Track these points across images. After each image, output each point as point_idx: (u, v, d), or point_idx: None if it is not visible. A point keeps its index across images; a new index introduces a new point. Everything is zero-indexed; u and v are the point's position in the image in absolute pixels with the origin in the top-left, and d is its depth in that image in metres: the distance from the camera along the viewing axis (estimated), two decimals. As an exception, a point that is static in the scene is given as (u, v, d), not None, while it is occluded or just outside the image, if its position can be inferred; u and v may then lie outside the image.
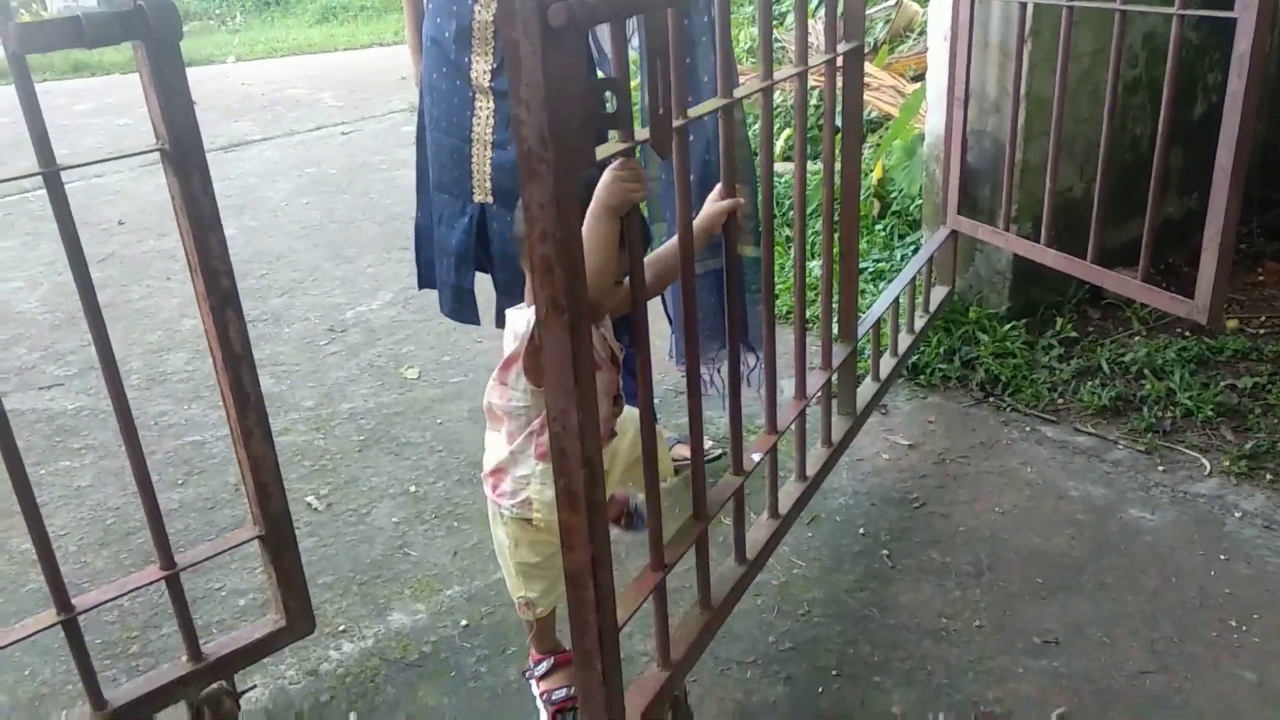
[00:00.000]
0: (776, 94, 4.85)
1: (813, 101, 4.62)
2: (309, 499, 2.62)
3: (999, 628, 2.06)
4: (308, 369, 3.37)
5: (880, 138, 4.45)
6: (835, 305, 2.35)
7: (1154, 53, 3.25)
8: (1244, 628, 2.01)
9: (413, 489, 2.64)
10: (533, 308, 1.66)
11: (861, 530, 2.39)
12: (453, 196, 2.38)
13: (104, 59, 10.52)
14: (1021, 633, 2.04)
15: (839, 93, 2.19)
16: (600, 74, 2.34)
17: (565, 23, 1.14)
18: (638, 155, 1.45)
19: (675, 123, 1.49)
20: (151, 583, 1.74)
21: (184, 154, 1.57)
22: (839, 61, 2.14)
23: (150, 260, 4.52)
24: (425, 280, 2.69)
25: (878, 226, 3.84)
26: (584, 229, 1.48)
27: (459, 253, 2.42)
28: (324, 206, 5.17)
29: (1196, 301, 2.40)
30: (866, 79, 4.79)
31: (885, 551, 2.31)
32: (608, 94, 1.26)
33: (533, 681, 1.94)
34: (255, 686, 1.97)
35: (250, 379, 1.72)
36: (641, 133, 1.39)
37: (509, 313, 1.79)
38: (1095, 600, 2.12)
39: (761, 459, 1.98)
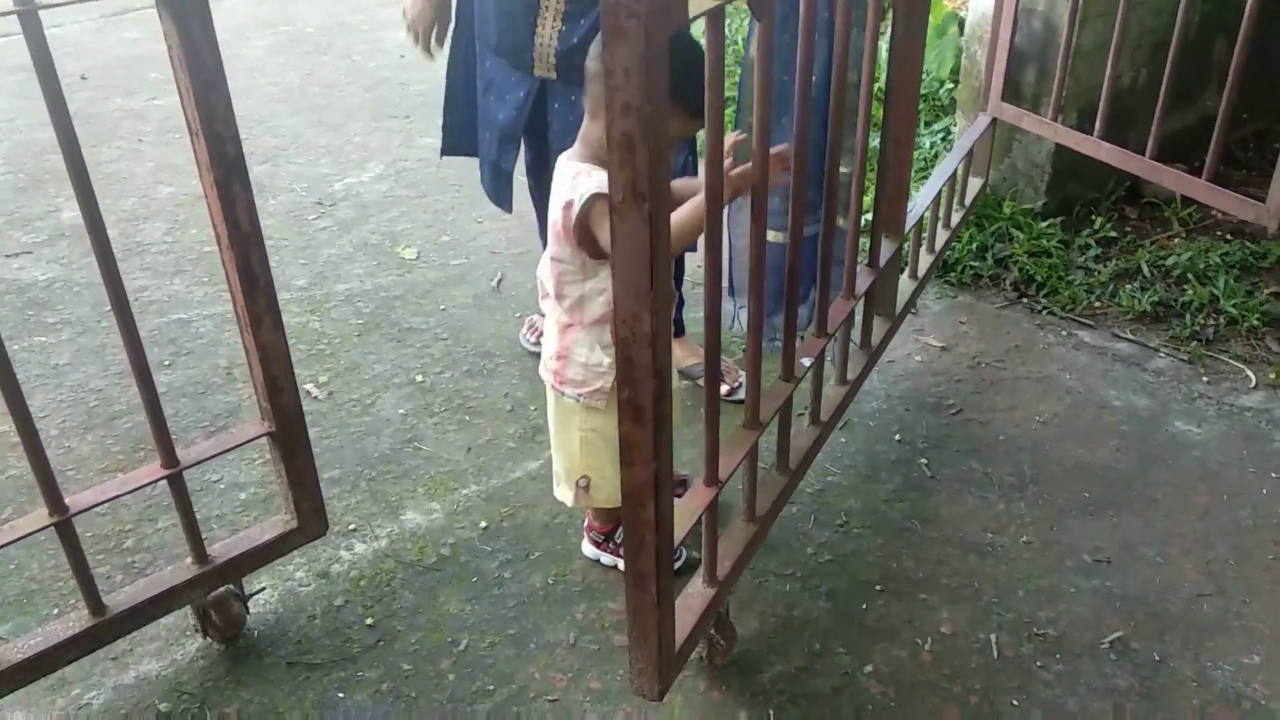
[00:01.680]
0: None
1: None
2: (308, 386, 2.45)
3: (1047, 544, 1.97)
4: (297, 245, 3.16)
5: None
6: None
7: (1219, -69, 3.01)
8: (1301, 551, 1.94)
9: (419, 378, 2.48)
10: (585, 169, 1.56)
11: (897, 437, 2.27)
12: (510, 64, 2.10)
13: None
14: (1071, 550, 1.95)
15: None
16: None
17: None
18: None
19: None
20: (153, 482, 1.58)
21: (184, 4, 1.34)
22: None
23: (118, 120, 4.20)
24: (451, 145, 2.43)
25: (904, 111, 3.62)
26: (690, 214, 1.42)
27: (506, 129, 2.16)
28: (303, 68, 4.83)
29: (1269, 205, 2.25)
30: (890, -50, 4.48)
31: (923, 460, 2.20)
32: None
33: (593, 548, 1.91)
34: (264, 589, 1.84)
35: (260, 260, 1.54)
36: None
37: (562, 161, 1.63)
38: (1145, 518, 2.03)
39: (811, 365, 1.84)
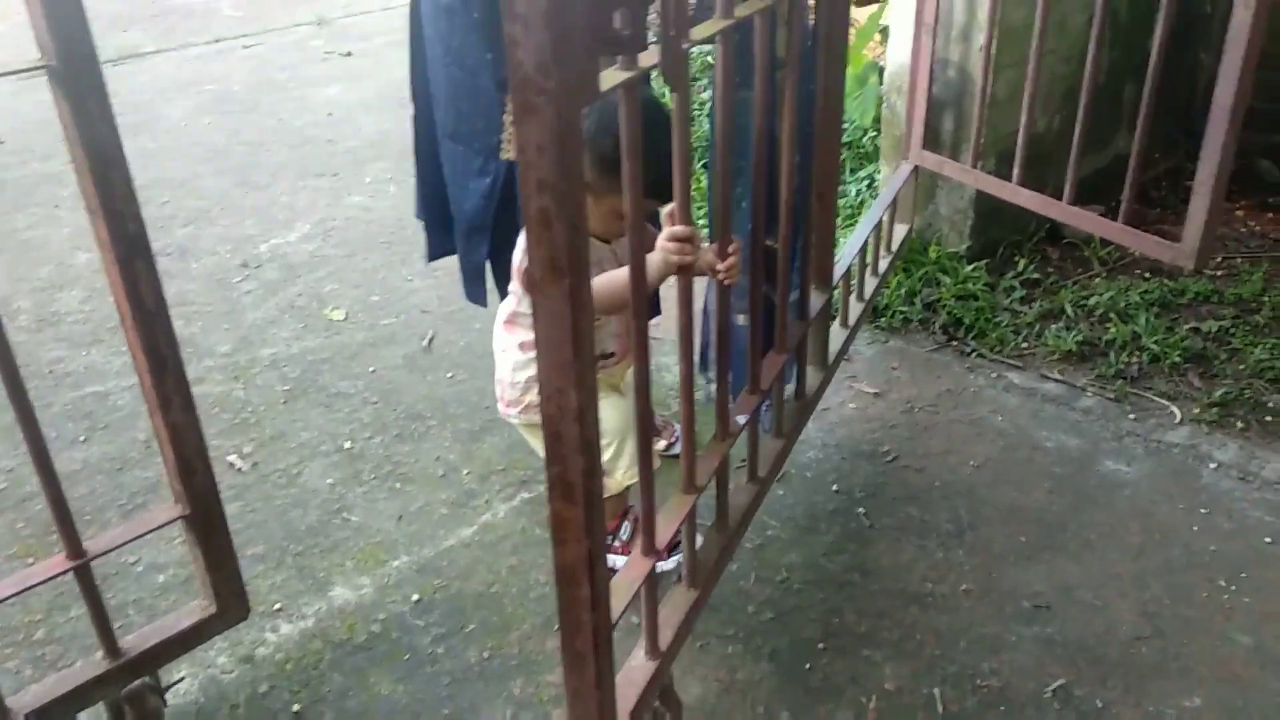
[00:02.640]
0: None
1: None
2: (230, 458, 2.37)
3: (986, 591, 1.97)
4: (221, 310, 3.08)
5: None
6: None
7: (1123, -19, 3.12)
8: (1233, 587, 1.96)
9: (347, 445, 2.42)
10: None
11: (835, 487, 2.26)
12: (470, 150, 2.02)
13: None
14: (1010, 596, 1.95)
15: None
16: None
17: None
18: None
19: (718, 25, 1.29)
20: (58, 575, 1.50)
21: (77, 73, 1.30)
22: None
23: (35, 185, 4.09)
24: (438, 246, 2.31)
25: (830, 159, 3.67)
26: (616, 279, 1.48)
27: (473, 221, 2.09)
28: (228, 127, 4.76)
29: (1184, 246, 2.31)
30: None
31: (861, 510, 2.19)
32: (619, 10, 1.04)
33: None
34: (183, 679, 1.75)
35: (166, 340, 1.48)
36: (648, 56, 1.18)
37: None
38: (1081, 560, 2.04)
39: (747, 422, 1.82)
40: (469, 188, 2.06)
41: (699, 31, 1.26)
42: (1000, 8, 2.73)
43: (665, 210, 1.52)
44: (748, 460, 1.94)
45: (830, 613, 1.92)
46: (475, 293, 2.28)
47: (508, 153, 2.00)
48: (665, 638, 1.60)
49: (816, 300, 2.24)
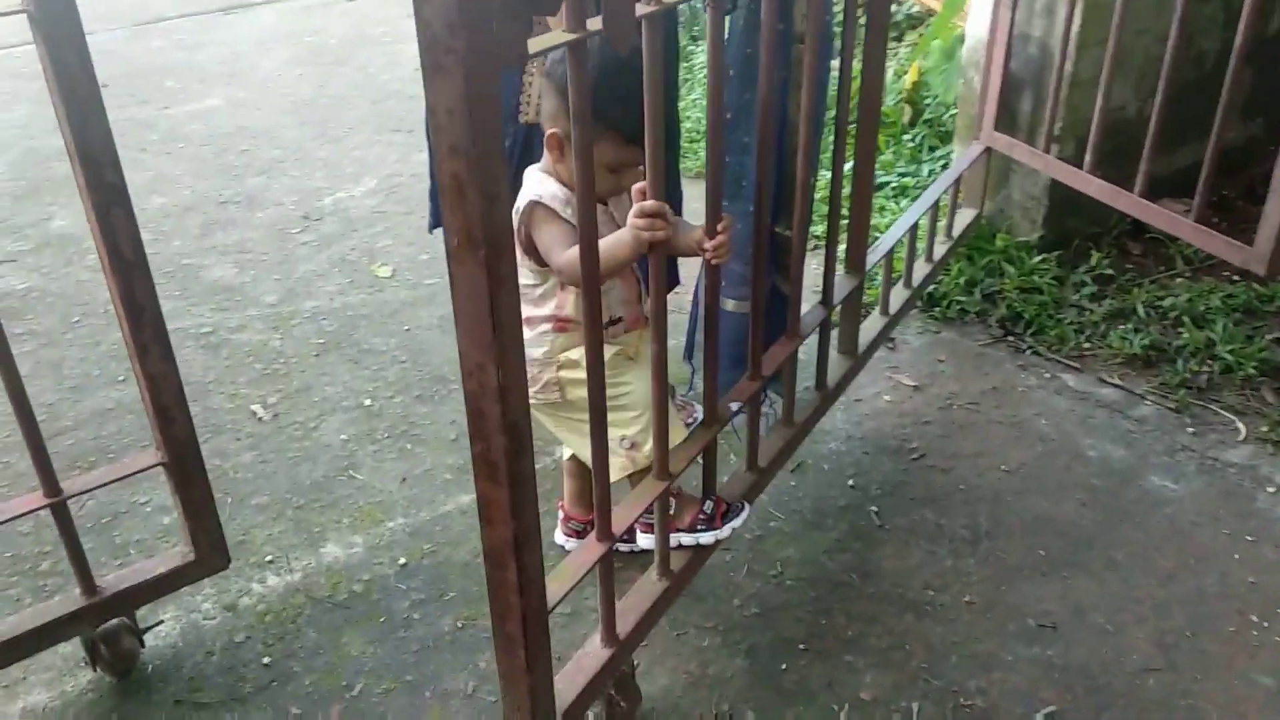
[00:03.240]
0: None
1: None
2: (254, 407, 2.41)
3: (991, 605, 1.85)
4: (275, 259, 3.14)
5: (921, 35, 4.06)
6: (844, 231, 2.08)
7: (1234, -45, 2.86)
8: (1265, 624, 1.79)
9: (368, 402, 2.43)
10: (539, 177, 1.61)
11: (851, 482, 2.16)
12: None
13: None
14: (1016, 612, 1.83)
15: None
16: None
17: None
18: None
19: (642, 8, 1.21)
20: (33, 510, 1.54)
21: (53, 18, 1.31)
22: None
23: (127, 129, 4.23)
24: (440, 219, 2.32)
25: (906, 136, 3.50)
26: (604, 249, 1.36)
27: None
28: (318, 79, 4.84)
29: (1255, 249, 2.11)
30: (909, -31, 4.37)
31: (874, 508, 2.09)
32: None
33: (566, 538, 1.90)
34: (162, 622, 1.79)
35: (144, 289, 1.50)
36: (593, 22, 1.11)
37: (528, 171, 1.66)
38: (1102, 580, 1.90)
39: (739, 410, 1.74)
40: None
41: (640, 7, 1.17)
42: (1086, -20, 2.53)
43: (635, 186, 1.45)
44: (747, 449, 1.87)
45: (819, 613, 1.84)
46: None
47: (526, 115, 1.94)
48: (626, 625, 1.56)
49: (846, 285, 2.13)
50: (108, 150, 1.41)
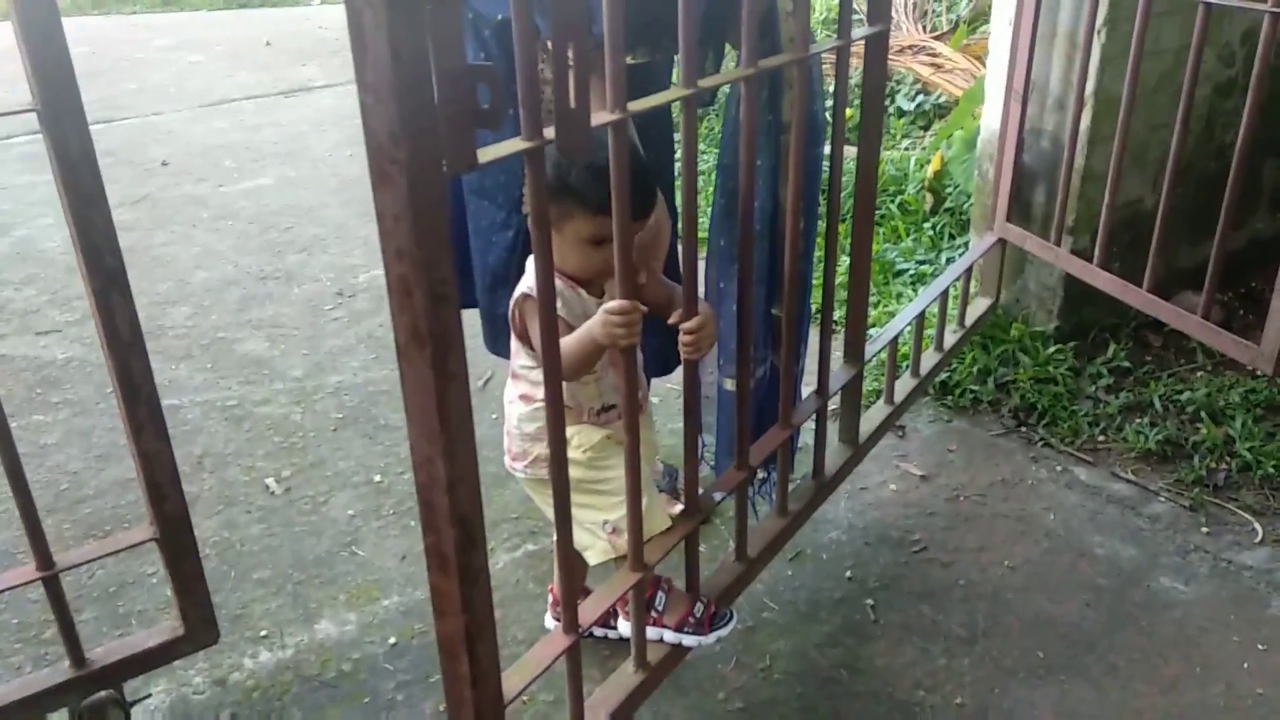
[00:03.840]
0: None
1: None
2: (268, 480, 2.47)
3: (982, 709, 1.81)
4: (305, 334, 3.23)
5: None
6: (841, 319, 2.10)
7: (1255, 52, 2.86)
8: (1271, 740, 1.73)
9: (378, 478, 2.48)
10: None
11: (849, 574, 2.14)
12: (494, 205, 2.03)
13: (192, -6, 10.57)
14: (1007, 717, 1.79)
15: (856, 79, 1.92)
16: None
17: (419, -9, 0.92)
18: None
19: (610, 117, 1.25)
20: (27, 583, 1.59)
21: (60, 116, 1.39)
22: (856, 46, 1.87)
23: (181, 205, 4.43)
24: (465, 298, 2.27)
25: (927, 225, 3.52)
26: (565, 345, 1.40)
27: (496, 272, 2.08)
28: (366, 160, 5.01)
29: (1263, 348, 2.08)
30: (940, 61, 4.44)
31: (870, 601, 2.06)
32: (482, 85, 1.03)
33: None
34: (149, 695, 1.83)
35: (140, 369, 1.56)
36: (546, 132, 1.16)
37: (529, 262, 1.67)
38: (1100, 687, 1.85)
39: (721, 500, 1.75)
40: (493, 241, 2.07)
41: (597, 118, 1.21)
42: (1096, 80, 2.56)
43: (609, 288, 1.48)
44: (735, 540, 1.87)
45: (805, 710, 1.81)
46: (499, 345, 2.28)
47: (528, 206, 2.01)
48: (597, 717, 1.56)
49: (845, 374, 2.14)
50: (108, 237, 1.48)
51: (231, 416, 2.78)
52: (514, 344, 1.80)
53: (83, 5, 9.97)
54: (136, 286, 3.65)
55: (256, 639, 1.98)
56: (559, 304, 1.58)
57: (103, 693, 1.70)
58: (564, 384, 1.69)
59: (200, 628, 1.75)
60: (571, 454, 1.73)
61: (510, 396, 1.88)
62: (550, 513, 1.80)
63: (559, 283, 1.60)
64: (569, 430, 1.70)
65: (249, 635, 1.98)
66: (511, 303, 1.63)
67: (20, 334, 3.24)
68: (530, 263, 1.70)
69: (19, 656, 1.94)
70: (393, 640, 1.97)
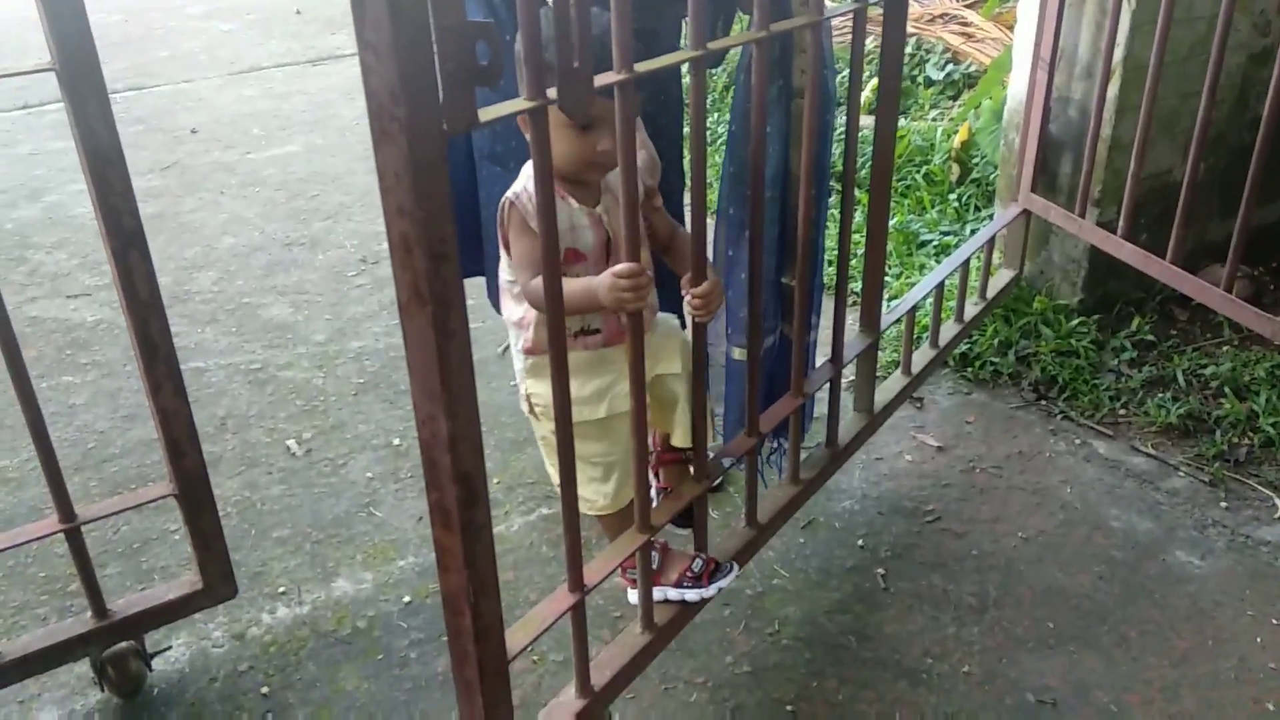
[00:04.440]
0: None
1: (909, 49, 4.22)
2: (289, 442, 2.51)
3: (990, 676, 1.81)
4: (329, 300, 3.26)
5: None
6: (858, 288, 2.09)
7: (1290, 19, 2.80)
8: (1281, 715, 1.72)
9: (397, 441, 2.51)
10: (528, 175, 1.54)
11: (860, 542, 2.15)
12: (506, 170, 1.98)
13: (225, -38, 10.58)
14: (1015, 686, 1.79)
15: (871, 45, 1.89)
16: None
17: (418, -50, 0.92)
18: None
19: (616, 77, 1.25)
20: (48, 535, 1.64)
21: (77, 75, 1.41)
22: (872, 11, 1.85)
23: (210, 172, 4.47)
24: (461, 273, 2.35)
25: (952, 196, 3.49)
26: (569, 291, 1.36)
27: None
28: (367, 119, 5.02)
29: (1284, 321, 2.05)
30: (971, 30, 4.37)
31: (881, 570, 2.07)
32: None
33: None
34: (170, 648, 1.87)
35: (159, 329, 1.58)
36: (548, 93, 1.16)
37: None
38: (1111, 657, 1.85)
39: (730, 466, 1.76)
40: None
41: (603, 78, 1.21)
42: (1126, 48, 2.51)
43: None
44: (745, 505, 1.87)
45: (812, 675, 1.82)
46: None
47: None
48: (603, 677, 1.58)
49: (860, 344, 2.13)
50: (126, 198, 1.50)
51: (255, 380, 2.81)
52: (501, 255, 1.68)
53: (117, -27, 10.02)
54: (164, 251, 3.71)
55: (275, 595, 2.02)
56: (531, 209, 1.51)
57: (124, 644, 1.75)
58: (534, 314, 1.63)
59: (218, 582, 1.79)
60: (549, 401, 1.67)
61: (507, 320, 1.76)
62: (551, 470, 1.80)
63: None
64: (535, 386, 1.69)
65: (267, 592, 2.02)
66: (499, 208, 1.56)
67: (51, 297, 3.30)
68: (526, 169, 1.57)
69: (45, 609, 2.00)
70: (407, 599, 2.00)
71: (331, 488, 2.34)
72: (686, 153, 1.99)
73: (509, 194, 1.54)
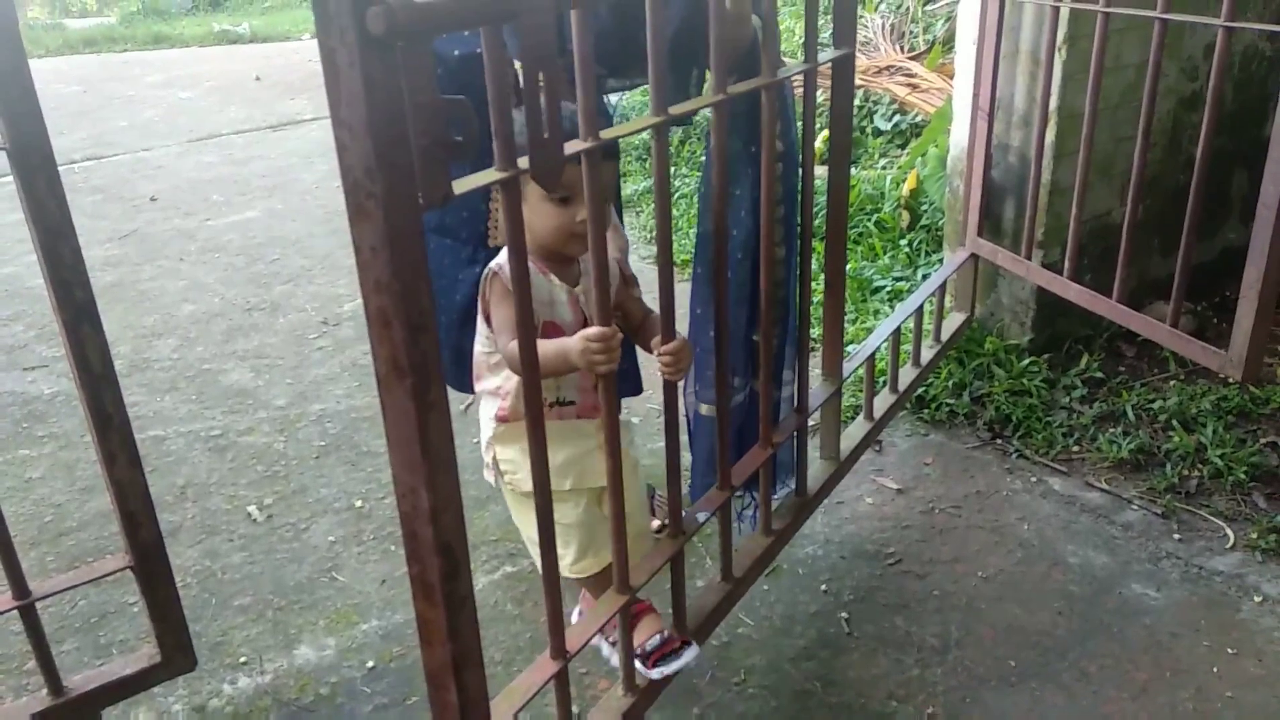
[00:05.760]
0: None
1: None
2: (250, 508, 2.49)
3: (954, 717, 1.82)
4: (290, 363, 3.26)
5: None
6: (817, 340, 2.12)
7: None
8: (1239, 743, 1.74)
9: (359, 504, 2.50)
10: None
11: (824, 588, 2.16)
12: (457, 241, 1.99)
13: (184, 33, 10.69)
14: (978, 726, 1.80)
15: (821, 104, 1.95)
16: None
17: (385, 31, 0.94)
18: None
19: (582, 145, 1.28)
20: (3, 612, 1.61)
21: (26, 152, 1.42)
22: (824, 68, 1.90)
23: (169, 239, 4.48)
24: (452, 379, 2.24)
25: (903, 241, 3.56)
26: (543, 354, 1.37)
27: (467, 309, 1.97)
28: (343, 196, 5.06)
29: (1230, 354, 2.11)
30: (916, 81, 4.50)
31: (844, 614, 2.08)
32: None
33: (606, 646, 1.83)
34: (130, 722, 1.84)
35: (112, 399, 1.58)
36: (519, 162, 1.18)
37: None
38: (1071, 693, 1.87)
39: (706, 519, 1.77)
40: (459, 279, 2.00)
41: (571, 146, 1.24)
42: (1059, 96, 2.61)
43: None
44: (721, 559, 1.88)
45: (778, 723, 1.83)
46: (466, 382, 2.09)
47: (496, 239, 2.01)
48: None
49: (824, 392, 2.16)
50: (77, 271, 1.51)
51: (215, 446, 2.80)
52: (479, 326, 1.71)
53: (74, 44, 10.07)
54: (123, 320, 3.70)
55: (236, 665, 1.99)
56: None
57: (80, 721, 1.72)
58: (511, 385, 1.67)
59: (177, 654, 1.76)
60: (519, 468, 1.72)
61: (481, 390, 1.79)
62: (523, 528, 1.82)
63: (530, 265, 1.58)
64: (506, 452, 1.72)
65: (229, 662, 2.00)
66: (482, 280, 1.59)
67: (7, 370, 3.28)
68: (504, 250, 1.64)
69: (2, 687, 1.96)
70: (371, 664, 1.98)
71: (293, 553, 2.33)
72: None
73: (492, 265, 1.57)
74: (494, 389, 1.70)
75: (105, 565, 1.71)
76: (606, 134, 1.30)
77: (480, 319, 1.66)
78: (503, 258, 1.56)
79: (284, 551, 2.33)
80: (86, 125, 6.56)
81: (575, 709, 1.63)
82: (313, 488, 2.58)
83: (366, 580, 2.22)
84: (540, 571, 1.74)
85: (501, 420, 1.71)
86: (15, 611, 1.62)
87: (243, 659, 2.01)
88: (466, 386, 2.11)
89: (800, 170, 1.94)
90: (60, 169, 1.47)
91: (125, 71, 8.77)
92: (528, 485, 1.65)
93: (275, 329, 3.53)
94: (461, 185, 1.13)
